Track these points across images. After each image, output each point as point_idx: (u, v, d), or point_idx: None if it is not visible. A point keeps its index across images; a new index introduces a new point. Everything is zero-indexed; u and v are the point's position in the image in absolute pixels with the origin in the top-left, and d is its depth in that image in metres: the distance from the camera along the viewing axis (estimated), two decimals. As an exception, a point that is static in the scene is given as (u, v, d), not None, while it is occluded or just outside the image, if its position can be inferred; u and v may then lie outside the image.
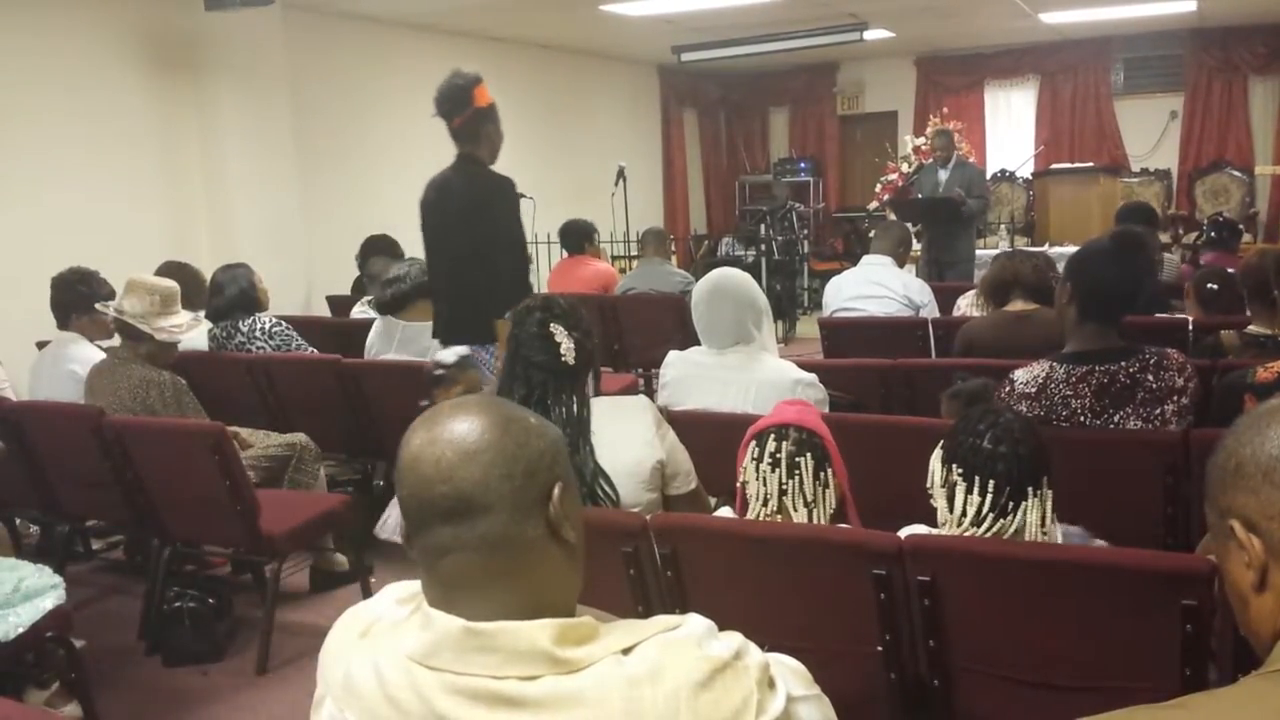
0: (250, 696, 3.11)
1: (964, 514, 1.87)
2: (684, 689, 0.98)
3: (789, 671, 1.12)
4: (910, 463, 2.21)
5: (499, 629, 1.00)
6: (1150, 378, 2.49)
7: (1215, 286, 4.14)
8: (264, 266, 4.79)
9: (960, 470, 1.88)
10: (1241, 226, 6.99)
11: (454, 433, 1.05)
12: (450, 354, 2.76)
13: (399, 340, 4.24)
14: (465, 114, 3.49)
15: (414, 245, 5.45)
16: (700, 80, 11.80)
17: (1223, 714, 0.89)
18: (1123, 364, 2.51)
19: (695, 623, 1.06)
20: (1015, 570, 1.80)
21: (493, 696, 0.99)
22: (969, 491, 1.87)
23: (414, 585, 1.14)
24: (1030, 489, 1.85)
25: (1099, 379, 2.51)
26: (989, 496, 1.85)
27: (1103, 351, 2.53)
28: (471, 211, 3.45)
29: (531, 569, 1.05)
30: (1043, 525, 1.85)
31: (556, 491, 1.06)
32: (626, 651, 1.01)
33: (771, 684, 1.04)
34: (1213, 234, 5.95)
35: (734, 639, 1.06)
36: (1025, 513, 1.84)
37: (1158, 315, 4.08)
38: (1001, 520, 1.85)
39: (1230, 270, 4.42)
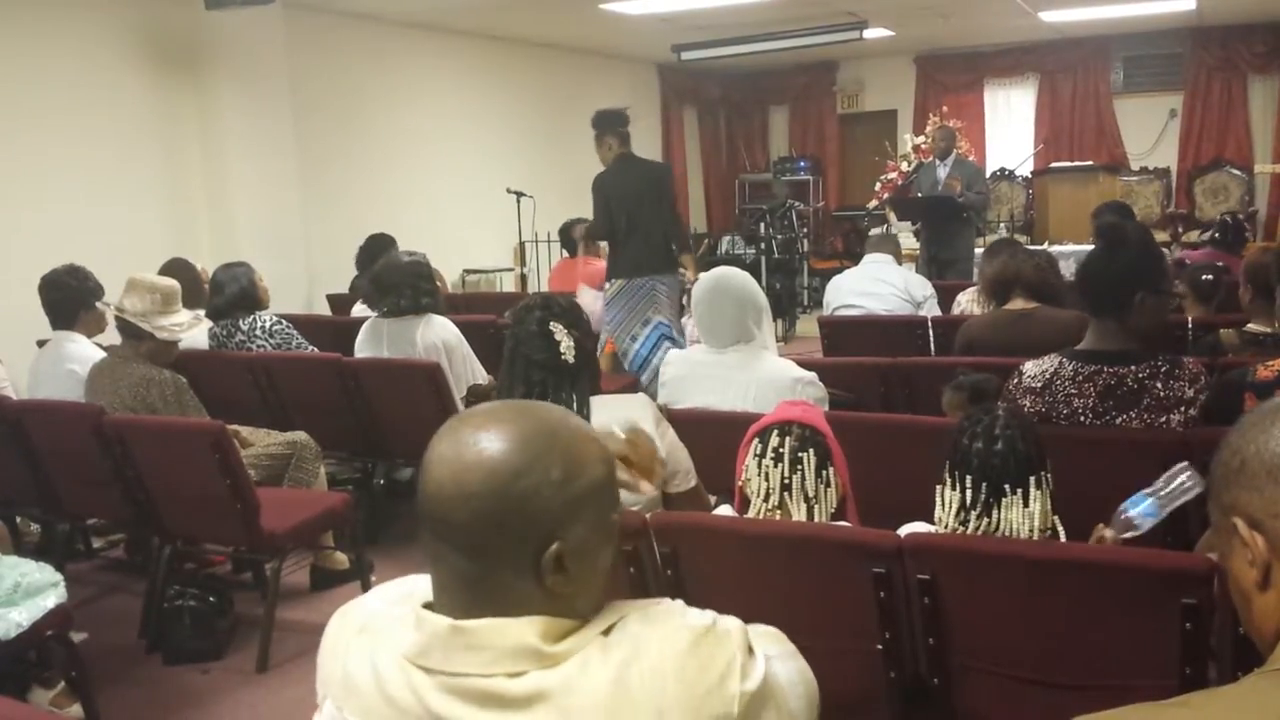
0: (250, 695, 3.12)
1: (949, 509, 1.88)
2: (668, 659, 0.99)
3: (761, 635, 1.13)
4: (910, 461, 2.22)
5: (485, 626, 1.00)
6: (1159, 385, 2.45)
7: (1210, 278, 4.16)
8: (264, 265, 4.79)
9: (946, 466, 1.90)
10: (1247, 225, 6.99)
11: (466, 461, 1.01)
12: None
13: (387, 338, 4.25)
14: (628, 125, 5.31)
15: (412, 243, 5.48)
16: (700, 79, 11.79)
17: (1224, 712, 0.89)
18: (1132, 368, 2.46)
19: (670, 600, 1.07)
20: (1015, 568, 1.80)
21: (482, 695, 0.99)
22: (952, 487, 1.89)
23: (408, 585, 1.15)
24: (1008, 486, 1.84)
25: (1106, 380, 2.48)
26: (968, 492, 1.86)
27: (1115, 353, 2.48)
28: (652, 185, 5.24)
29: (512, 603, 1.02)
30: (1031, 524, 1.84)
31: (552, 550, 1.00)
32: (607, 632, 1.02)
33: (751, 650, 1.04)
34: (1216, 234, 5.97)
35: (707, 611, 1.06)
36: (1005, 510, 1.84)
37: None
38: (986, 517, 1.85)
39: (1221, 264, 4.44)
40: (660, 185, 5.32)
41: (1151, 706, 0.91)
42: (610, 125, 5.31)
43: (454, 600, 1.03)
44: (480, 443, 1.01)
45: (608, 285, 5.36)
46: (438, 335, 4.18)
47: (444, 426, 1.07)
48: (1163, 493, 1.90)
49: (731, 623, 1.05)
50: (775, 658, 1.09)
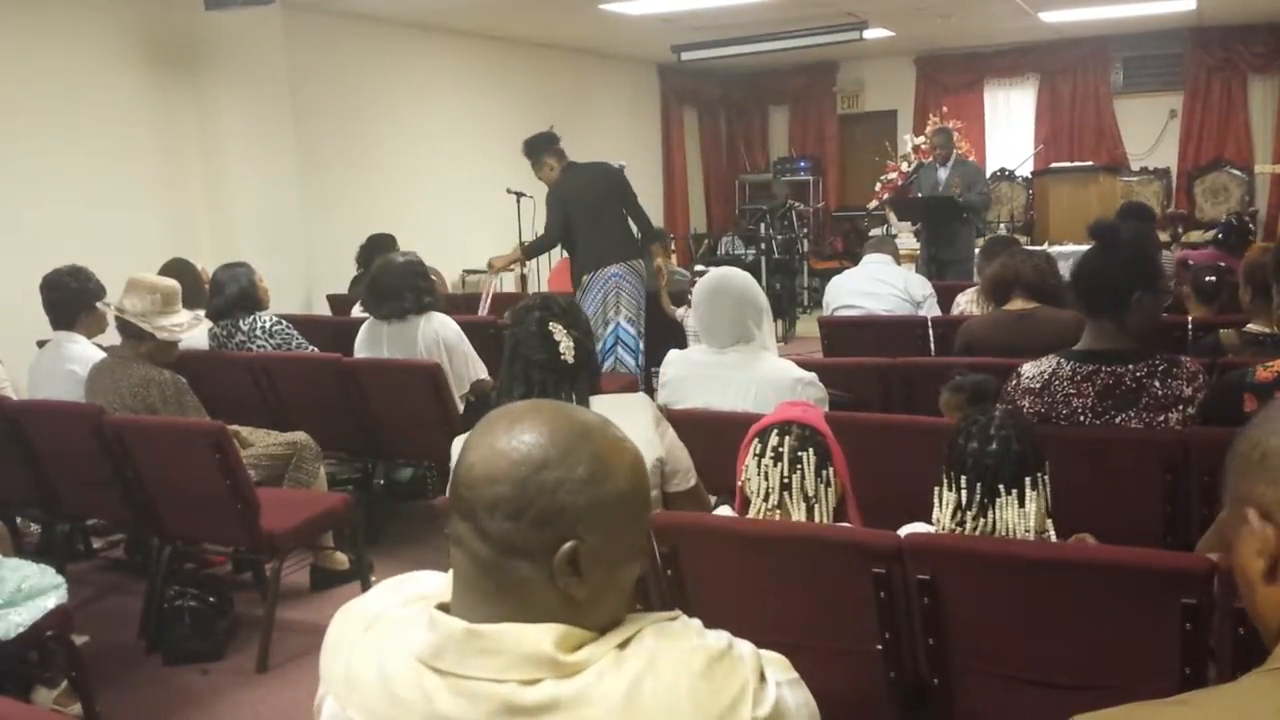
0: (250, 695, 3.12)
1: (946, 510, 1.89)
2: (682, 679, 0.98)
3: (770, 662, 1.13)
4: (910, 461, 2.22)
5: (500, 631, 1.00)
6: (1157, 384, 2.45)
7: (1214, 279, 4.16)
8: (264, 265, 4.78)
9: (943, 467, 1.90)
10: (1251, 226, 7.00)
11: (497, 448, 1.03)
12: None
13: (387, 339, 4.24)
14: (559, 141, 5.60)
15: (412, 242, 5.49)
16: (700, 79, 11.79)
17: (1225, 711, 0.89)
18: (1130, 367, 2.46)
19: (686, 618, 1.07)
20: (1015, 569, 1.80)
21: (494, 700, 0.98)
22: (948, 488, 1.89)
23: (416, 583, 1.14)
24: (1003, 486, 1.84)
25: (1104, 379, 2.48)
26: (963, 493, 1.86)
27: (1112, 352, 2.49)
28: (612, 186, 5.61)
29: (521, 599, 1.02)
30: (1027, 524, 1.84)
31: (565, 549, 1.00)
32: (623, 645, 1.01)
33: (763, 676, 1.04)
34: (1220, 235, 6.00)
35: (722, 633, 1.06)
36: (1000, 510, 1.84)
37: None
38: (983, 518, 1.85)
39: (1224, 265, 4.44)
40: (619, 183, 5.64)
41: (1151, 705, 0.92)
42: (544, 147, 5.56)
43: (469, 592, 1.03)
44: (514, 433, 1.03)
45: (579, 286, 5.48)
46: (438, 333, 4.18)
47: (485, 418, 1.09)
48: None
49: (745, 647, 1.06)
50: (784, 684, 1.08)
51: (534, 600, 1.01)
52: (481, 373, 4.23)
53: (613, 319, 5.38)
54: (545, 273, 8.22)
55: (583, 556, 1.01)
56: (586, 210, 5.45)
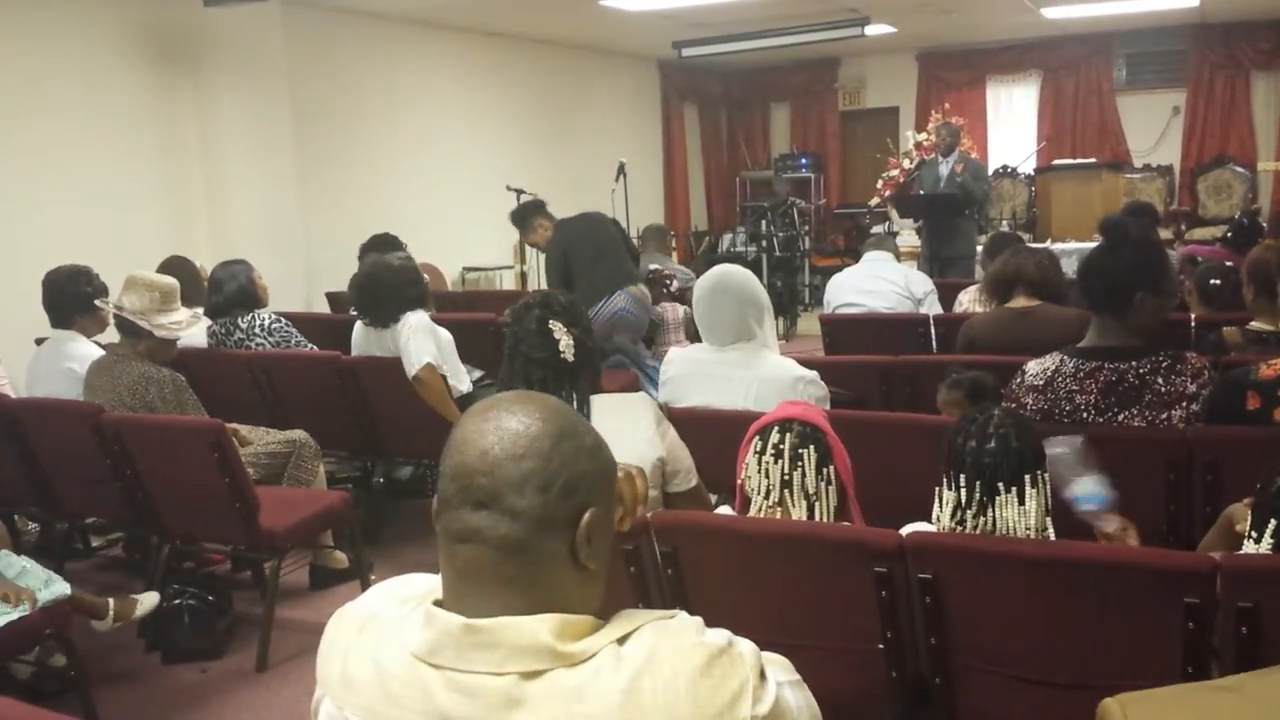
0: (249, 694, 3.11)
1: (945, 509, 1.88)
2: (682, 675, 0.99)
3: (771, 662, 1.13)
4: (912, 460, 2.21)
5: (499, 625, 1.00)
6: (1160, 380, 2.44)
7: (1218, 282, 4.13)
8: (263, 263, 4.77)
9: (943, 466, 1.89)
10: (1263, 225, 7.00)
11: (507, 429, 1.04)
12: None
13: (376, 343, 4.21)
14: (545, 204, 5.90)
15: (412, 240, 5.49)
16: (701, 75, 11.77)
17: (1274, 692, 0.88)
18: (1133, 364, 2.45)
19: (686, 615, 1.07)
20: (1017, 568, 1.79)
21: (493, 693, 0.98)
22: (948, 487, 1.88)
23: (410, 585, 1.14)
24: (1002, 485, 1.83)
25: (1107, 376, 2.47)
26: (963, 491, 1.85)
27: (1115, 349, 2.48)
28: (606, 226, 5.66)
29: (543, 581, 1.03)
30: (1027, 522, 1.83)
31: (587, 517, 1.04)
32: (622, 640, 1.01)
33: (763, 674, 1.04)
34: (1229, 233, 6.00)
35: (723, 631, 1.07)
36: (999, 509, 1.83)
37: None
38: (983, 516, 1.84)
39: (1230, 264, 4.42)
40: (608, 223, 5.71)
41: (1199, 687, 0.91)
42: (533, 212, 5.76)
43: (479, 585, 1.03)
44: (517, 415, 1.05)
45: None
46: (399, 334, 4.02)
47: (470, 411, 1.09)
48: (1076, 475, 1.98)
49: (746, 645, 1.06)
50: (785, 685, 1.08)
51: (555, 578, 1.03)
52: (420, 361, 3.91)
53: (617, 341, 5.47)
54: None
55: (594, 525, 1.04)
56: (587, 247, 5.46)
